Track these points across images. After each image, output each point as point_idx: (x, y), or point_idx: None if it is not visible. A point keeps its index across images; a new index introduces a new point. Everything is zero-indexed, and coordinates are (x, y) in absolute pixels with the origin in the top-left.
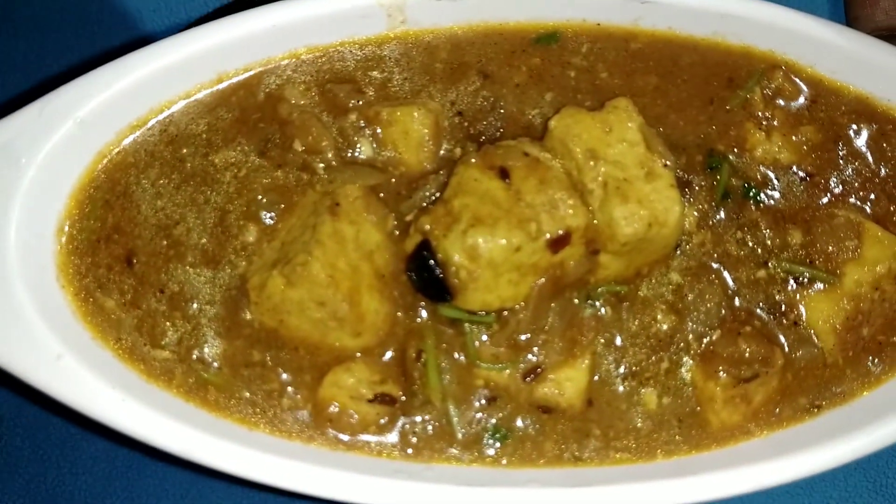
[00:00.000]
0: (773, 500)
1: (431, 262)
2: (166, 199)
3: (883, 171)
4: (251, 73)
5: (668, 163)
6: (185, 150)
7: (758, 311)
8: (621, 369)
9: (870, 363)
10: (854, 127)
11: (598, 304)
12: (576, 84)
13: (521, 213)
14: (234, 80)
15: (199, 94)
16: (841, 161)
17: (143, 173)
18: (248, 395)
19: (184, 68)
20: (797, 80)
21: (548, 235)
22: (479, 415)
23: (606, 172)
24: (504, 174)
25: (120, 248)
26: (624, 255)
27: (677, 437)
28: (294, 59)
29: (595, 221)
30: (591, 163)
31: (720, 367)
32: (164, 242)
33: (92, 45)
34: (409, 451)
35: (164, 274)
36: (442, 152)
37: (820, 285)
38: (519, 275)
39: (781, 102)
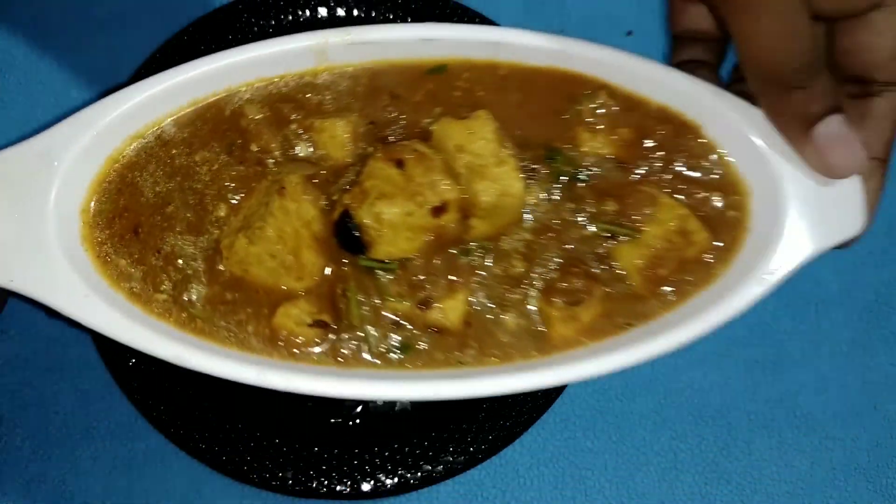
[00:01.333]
0: (773, 500)
1: (350, 225)
2: (161, 186)
3: (675, 158)
4: (219, 97)
5: (511, 154)
6: (174, 152)
7: (585, 257)
8: (488, 301)
9: (668, 294)
10: (656, 129)
11: (472, 255)
12: (459, 101)
13: (412, 190)
14: (207, 102)
15: (182, 113)
16: (646, 153)
17: (144, 169)
18: (223, 323)
19: (168, 96)
20: (617, 96)
21: (430, 205)
22: (388, 334)
23: (469, 161)
24: (400, 164)
25: (129, 222)
26: (486, 218)
27: (529, 346)
28: (250, 87)
29: (465, 196)
30: (459, 155)
31: (555, 297)
32: (160, 217)
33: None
34: (340, 359)
35: (160, 240)
36: (359, 151)
37: (628, 239)
38: (412, 233)
39: (604, 112)
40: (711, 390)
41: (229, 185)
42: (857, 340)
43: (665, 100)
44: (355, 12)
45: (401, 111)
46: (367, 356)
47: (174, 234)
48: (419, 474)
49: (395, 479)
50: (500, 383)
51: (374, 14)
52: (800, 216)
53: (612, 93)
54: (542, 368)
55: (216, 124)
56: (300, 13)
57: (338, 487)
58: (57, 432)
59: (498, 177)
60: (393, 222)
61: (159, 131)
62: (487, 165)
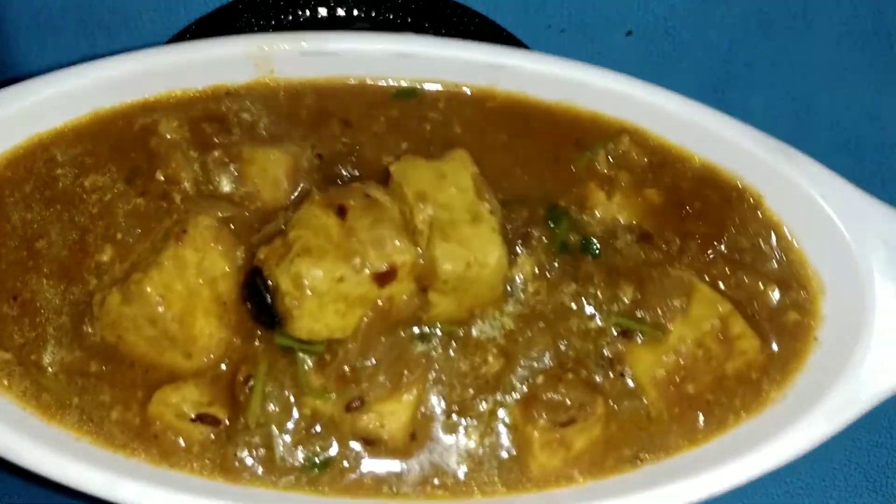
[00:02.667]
0: (772, 500)
1: (261, 287)
2: (35, 212)
3: (721, 234)
4: (131, 105)
5: (492, 210)
6: (59, 171)
7: (586, 360)
8: (446, 407)
9: (697, 420)
10: (697, 192)
11: (432, 342)
12: (430, 136)
13: (349, 247)
14: (114, 111)
15: (79, 122)
16: (681, 223)
17: (18, 187)
18: (77, 402)
19: (62, 102)
20: (644, 146)
21: (370, 269)
22: (303, 442)
23: (433, 215)
24: (342, 212)
25: None
26: (450, 294)
27: (495, 477)
28: (170, 98)
29: (421, 261)
30: (420, 205)
31: (539, 411)
32: (25, 253)
33: None
34: (231, 472)
35: (20, 282)
36: (298, 192)
37: (647, 340)
38: (346, 305)
39: (626, 164)
40: None
41: (121, 223)
42: None
43: (712, 155)
44: (355, 12)
45: (354, 142)
46: (266, 471)
47: (38, 277)
48: None
49: None
50: None
51: (374, 14)
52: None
53: (639, 139)
54: None
55: (120, 142)
56: (300, 13)
57: None
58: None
59: (469, 239)
60: (316, 288)
61: (47, 143)
62: (457, 222)
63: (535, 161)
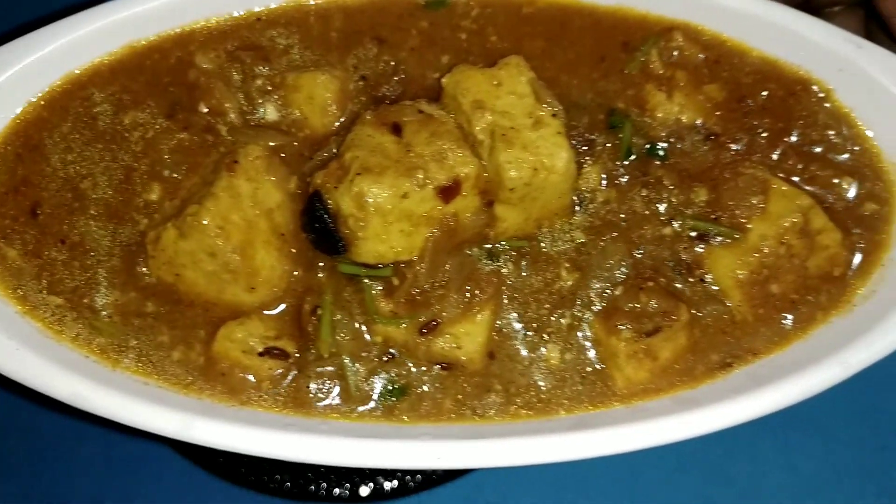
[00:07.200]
0: (777, 502)
1: (322, 212)
2: (76, 153)
3: (789, 128)
4: (164, 38)
5: (555, 112)
6: (97, 109)
7: (663, 267)
8: (523, 325)
9: (784, 321)
10: (758, 87)
11: (500, 259)
12: (468, 46)
13: (409, 162)
14: (149, 44)
15: (113, 59)
16: (745, 119)
17: (56, 128)
18: (135, 344)
19: (97, 37)
20: (697, 41)
21: (433, 184)
22: (377, 370)
23: (493, 121)
24: (397, 129)
25: (27, 199)
26: (517, 205)
27: (580, 393)
28: (204, 28)
29: (485, 173)
30: (479, 113)
31: (621, 322)
32: (70, 195)
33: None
34: (305, 405)
35: (67, 225)
36: (347, 115)
37: (725, 241)
38: (411, 225)
39: (682, 61)
40: None
41: (167, 159)
42: None
43: (773, 49)
44: None
45: (397, 60)
46: (342, 402)
47: (85, 218)
48: (418, 477)
49: (394, 483)
50: (536, 449)
51: None
52: None
53: (692, 35)
54: (603, 429)
55: (156, 76)
56: None
57: (336, 491)
58: (52, 433)
59: (534, 144)
60: (380, 207)
61: (83, 81)
62: (519, 128)
63: (579, 64)
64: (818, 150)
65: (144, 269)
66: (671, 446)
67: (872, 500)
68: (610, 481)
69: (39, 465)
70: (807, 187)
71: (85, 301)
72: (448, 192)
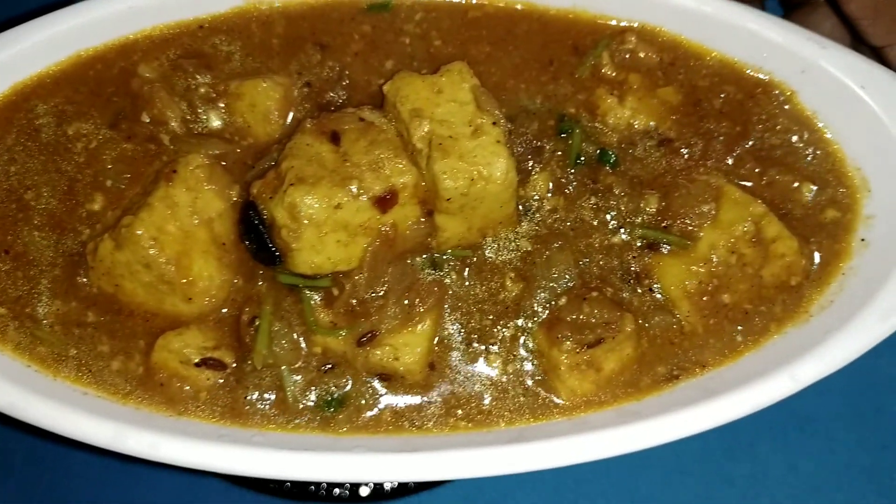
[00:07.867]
0: (777, 503)
1: (257, 222)
2: (19, 164)
3: (748, 132)
4: (108, 48)
5: (496, 120)
6: (40, 121)
7: (611, 277)
8: (465, 335)
9: (735, 332)
10: (715, 90)
11: (443, 268)
12: (411, 51)
13: (345, 172)
14: (92, 55)
15: (58, 68)
16: (702, 123)
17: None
18: (74, 353)
19: (44, 48)
20: (653, 43)
21: (369, 194)
22: (316, 381)
23: (431, 130)
24: (335, 138)
25: None
26: (457, 214)
27: (522, 405)
28: (147, 36)
29: (423, 182)
30: (417, 122)
31: (563, 333)
32: (14, 206)
33: None
34: (241, 416)
35: (11, 235)
36: (291, 122)
37: (675, 250)
38: (348, 235)
39: (635, 66)
40: None
41: (110, 169)
42: None
43: (731, 50)
44: None
45: (342, 66)
46: (279, 413)
47: (30, 228)
48: None
49: (394, 483)
50: (471, 463)
51: None
52: None
53: (646, 36)
54: (540, 442)
55: (100, 86)
56: None
57: (336, 490)
58: (50, 436)
59: (471, 153)
60: (313, 218)
61: (28, 93)
62: (457, 137)
63: (528, 69)
64: (777, 154)
65: (85, 280)
66: (671, 446)
67: (872, 500)
68: (611, 482)
69: (39, 465)
70: (765, 193)
71: (27, 311)
72: (385, 203)
